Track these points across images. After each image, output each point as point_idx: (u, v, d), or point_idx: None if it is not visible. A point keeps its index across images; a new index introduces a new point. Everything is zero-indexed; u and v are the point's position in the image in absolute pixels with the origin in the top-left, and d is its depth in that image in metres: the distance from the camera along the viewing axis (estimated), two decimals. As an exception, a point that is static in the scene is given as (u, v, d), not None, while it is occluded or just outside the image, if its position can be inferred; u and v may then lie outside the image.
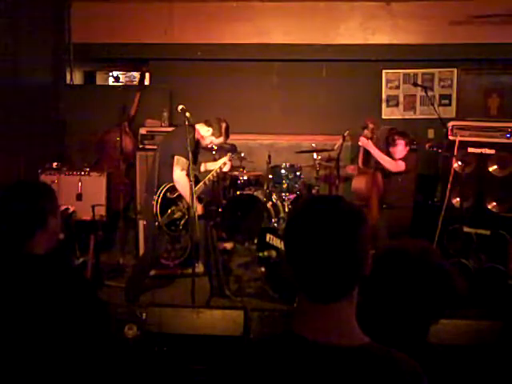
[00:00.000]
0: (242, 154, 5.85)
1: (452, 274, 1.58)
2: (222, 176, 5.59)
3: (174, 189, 4.30)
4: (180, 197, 4.34)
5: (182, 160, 4.16)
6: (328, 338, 1.16)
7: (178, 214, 4.38)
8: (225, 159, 4.76)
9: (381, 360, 1.15)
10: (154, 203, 4.27)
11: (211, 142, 4.56)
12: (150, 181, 4.42)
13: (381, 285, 1.54)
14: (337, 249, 1.15)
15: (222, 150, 5.53)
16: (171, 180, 4.26)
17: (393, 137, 5.09)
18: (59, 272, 1.81)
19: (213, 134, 4.49)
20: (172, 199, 4.35)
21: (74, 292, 1.77)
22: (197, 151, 4.56)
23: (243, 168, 5.91)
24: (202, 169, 4.84)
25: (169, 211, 4.34)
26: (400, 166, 4.96)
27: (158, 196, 4.25)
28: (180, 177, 4.21)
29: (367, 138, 5.04)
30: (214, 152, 5.61)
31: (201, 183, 4.52)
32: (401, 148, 5.04)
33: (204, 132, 4.48)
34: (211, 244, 4.67)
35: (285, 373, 1.15)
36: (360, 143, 5.10)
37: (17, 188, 1.92)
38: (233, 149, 5.53)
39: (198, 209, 4.31)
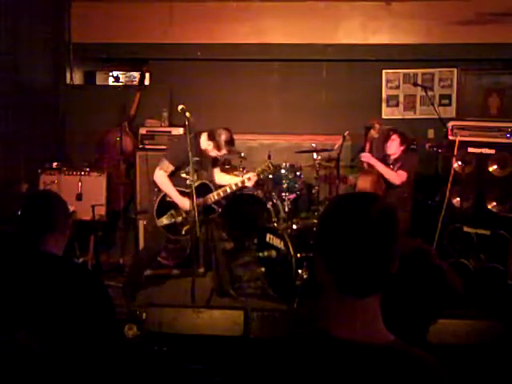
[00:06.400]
0: (242, 154, 5.85)
1: (447, 273, 1.58)
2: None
3: None
4: None
5: (165, 162, 4.31)
6: (355, 335, 1.17)
7: (179, 219, 4.39)
8: (249, 175, 4.57)
9: (407, 358, 1.16)
10: (154, 204, 4.38)
11: (217, 154, 4.50)
12: (153, 181, 4.49)
13: None
14: (378, 244, 1.17)
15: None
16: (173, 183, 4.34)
17: (389, 132, 5.09)
18: (69, 267, 2.06)
19: (214, 148, 4.42)
20: (172, 203, 4.39)
21: (83, 283, 1.99)
22: (202, 159, 4.46)
23: (243, 168, 5.91)
24: (217, 179, 4.70)
25: (168, 214, 4.39)
26: (402, 177, 4.92)
27: (157, 197, 4.39)
28: (157, 176, 4.36)
29: (373, 138, 5.05)
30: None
31: (213, 193, 4.47)
32: (395, 144, 5.04)
33: (206, 145, 4.44)
34: (212, 244, 4.68)
35: (312, 371, 1.16)
36: (363, 159, 5.09)
37: (34, 196, 2.52)
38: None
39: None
